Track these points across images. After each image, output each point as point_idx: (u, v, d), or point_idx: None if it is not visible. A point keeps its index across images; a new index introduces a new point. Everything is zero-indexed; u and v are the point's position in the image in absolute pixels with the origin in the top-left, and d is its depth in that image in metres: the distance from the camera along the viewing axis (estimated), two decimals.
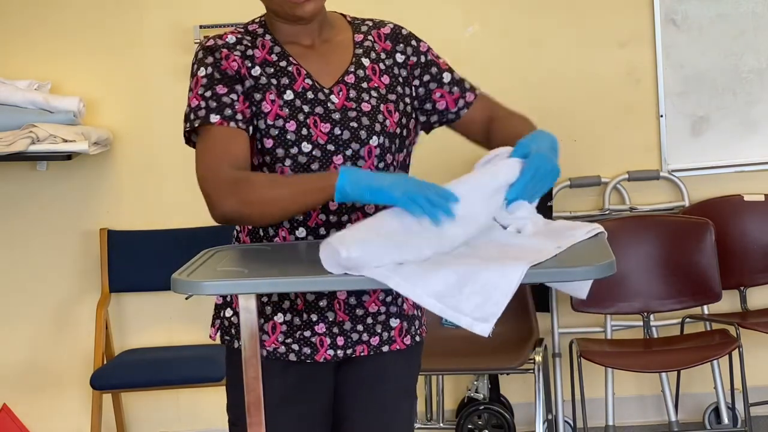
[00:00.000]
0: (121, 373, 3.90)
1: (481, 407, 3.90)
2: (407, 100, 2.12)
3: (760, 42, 4.09)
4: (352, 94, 2.07)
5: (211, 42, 2.08)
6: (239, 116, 2.01)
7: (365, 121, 2.05)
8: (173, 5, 4.08)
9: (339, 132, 2.04)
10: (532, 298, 3.85)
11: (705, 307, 3.97)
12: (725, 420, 3.96)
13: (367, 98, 2.07)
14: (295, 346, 2.08)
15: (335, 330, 2.08)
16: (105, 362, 4.01)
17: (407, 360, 2.16)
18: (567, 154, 4.15)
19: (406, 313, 2.13)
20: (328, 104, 2.05)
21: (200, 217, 4.19)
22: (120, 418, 4.16)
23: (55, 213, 4.19)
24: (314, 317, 2.08)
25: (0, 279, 4.21)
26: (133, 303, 4.21)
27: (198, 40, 3.99)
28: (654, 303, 3.95)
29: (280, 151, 2.03)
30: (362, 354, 2.10)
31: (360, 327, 2.09)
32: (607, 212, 4.11)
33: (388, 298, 2.09)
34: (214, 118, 2.00)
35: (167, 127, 3.91)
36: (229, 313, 2.14)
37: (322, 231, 2.05)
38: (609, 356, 3.76)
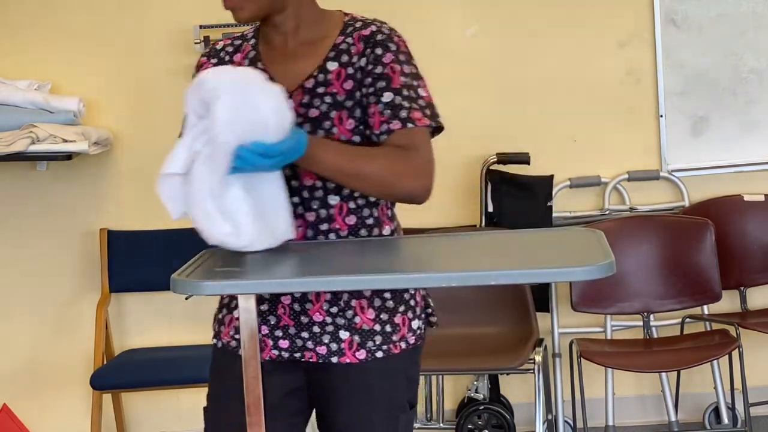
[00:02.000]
0: (121, 373, 3.90)
1: (481, 407, 3.90)
2: (354, 103, 2.05)
3: (760, 42, 4.09)
4: (305, 99, 2.04)
5: (207, 48, 2.13)
6: None
7: (308, 128, 2.01)
8: (173, 5, 4.08)
9: None
10: (532, 298, 3.85)
11: (705, 307, 3.97)
12: (725, 420, 3.96)
13: (318, 104, 2.03)
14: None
15: (278, 333, 2.06)
16: (105, 362, 4.01)
17: (381, 375, 2.07)
18: (567, 154, 4.20)
19: (358, 326, 2.04)
20: None
21: None
22: (120, 418, 4.16)
23: (55, 213, 4.19)
24: (259, 319, 2.07)
25: (0, 279, 4.21)
26: (133, 303, 4.21)
27: (198, 40, 3.99)
28: (654, 303, 3.95)
29: None
30: (311, 360, 2.06)
31: (305, 334, 2.05)
32: (607, 212, 4.12)
33: (333, 309, 2.04)
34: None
35: (167, 127, 3.89)
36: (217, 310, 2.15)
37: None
38: (609, 356, 3.76)
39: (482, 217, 4.02)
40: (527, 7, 4.11)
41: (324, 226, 2.04)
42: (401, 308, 2.08)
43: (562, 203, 4.13)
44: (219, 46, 2.19)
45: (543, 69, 4.12)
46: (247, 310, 1.83)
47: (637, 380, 4.12)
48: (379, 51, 2.05)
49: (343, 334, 2.05)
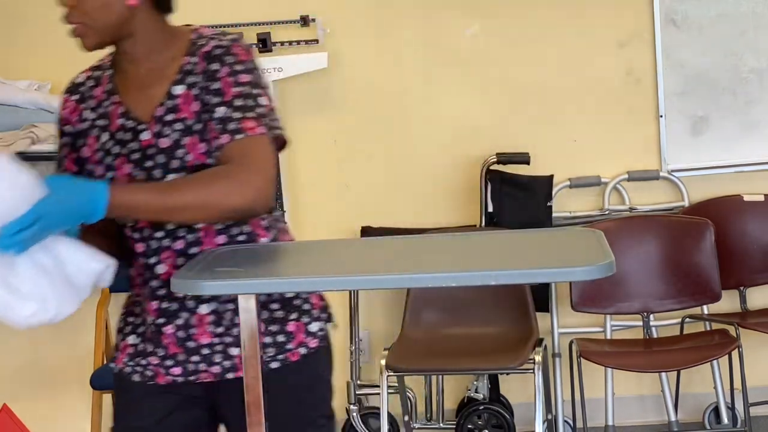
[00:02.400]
0: None
1: (481, 407, 3.90)
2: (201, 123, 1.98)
3: (760, 42, 4.09)
4: (157, 128, 1.98)
5: (69, 83, 2.13)
6: (67, 173, 2.08)
7: (161, 158, 1.97)
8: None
9: (136, 173, 1.99)
10: (532, 298, 3.85)
11: (705, 307, 3.97)
12: (725, 420, 3.96)
13: (169, 132, 1.96)
14: (139, 368, 2.09)
15: (168, 362, 2.05)
16: (105, 362, 4.01)
17: (281, 386, 2.03)
18: (567, 154, 4.20)
19: None
20: (133, 144, 1.99)
21: None
22: None
23: None
24: (149, 347, 2.07)
25: None
26: None
27: None
28: (654, 303, 3.95)
29: None
30: (207, 380, 2.05)
31: (195, 357, 2.04)
32: (606, 212, 4.12)
33: (219, 329, 2.03)
34: (57, 173, 2.09)
35: None
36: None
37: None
38: (609, 356, 3.76)
39: (482, 217, 4.02)
40: (527, 7, 4.11)
41: (194, 250, 2.01)
42: (293, 315, 2.07)
43: (562, 203, 4.13)
44: (80, 79, 2.13)
45: (543, 69, 4.13)
46: (247, 310, 1.82)
47: (637, 380, 4.12)
48: (215, 66, 1.97)
49: (234, 351, 2.03)
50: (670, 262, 3.95)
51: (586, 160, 4.14)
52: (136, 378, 2.10)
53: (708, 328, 3.97)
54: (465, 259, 1.98)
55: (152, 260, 2.03)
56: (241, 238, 2.03)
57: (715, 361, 3.86)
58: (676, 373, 4.00)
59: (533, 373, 3.62)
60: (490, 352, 3.72)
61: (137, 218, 1.97)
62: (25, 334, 4.19)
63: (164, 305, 2.04)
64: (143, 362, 2.09)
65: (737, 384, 3.81)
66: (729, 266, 3.98)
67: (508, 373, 3.88)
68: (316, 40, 4.06)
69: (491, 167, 4.02)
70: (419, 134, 4.13)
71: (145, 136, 1.99)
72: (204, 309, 2.03)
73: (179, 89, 1.98)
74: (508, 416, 3.88)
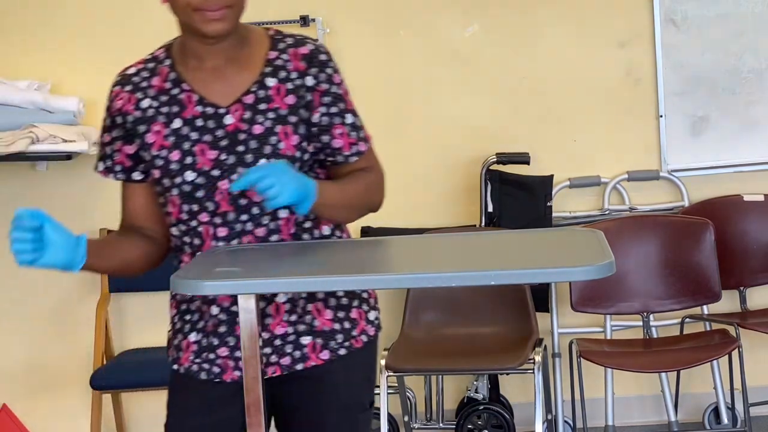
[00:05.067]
0: (121, 373, 3.90)
1: (481, 407, 3.90)
2: (304, 128, 2.05)
3: (760, 42, 4.09)
4: (247, 115, 2.03)
5: (117, 76, 2.16)
6: (117, 167, 2.14)
7: (253, 144, 2.02)
8: None
9: (224, 157, 2.02)
10: (532, 298, 3.85)
11: (705, 307, 3.97)
12: (725, 420, 3.96)
13: (261, 120, 2.02)
14: (206, 366, 2.11)
15: (238, 354, 2.06)
16: (105, 362, 4.01)
17: (345, 373, 2.09)
18: (567, 154, 4.20)
19: (319, 329, 2.06)
20: (218, 130, 2.03)
21: None
22: (120, 418, 4.16)
23: (55, 213, 4.12)
24: (215, 341, 2.09)
25: (0, 279, 4.21)
26: (133, 303, 4.21)
27: None
28: (654, 303, 3.95)
29: (166, 181, 2.06)
30: (274, 374, 2.06)
31: (267, 350, 2.06)
32: (606, 212, 4.12)
33: (293, 317, 2.06)
34: (101, 166, 2.17)
35: None
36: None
37: None
38: (609, 356, 3.76)
39: (482, 217, 4.02)
40: (527, 7, 4.11)
41: (274, 238, 2.05)
42: (355, 303, 2.11)
43: (562, 203, 4.13)
44: (131, 71, 2.16)
45: (543, 69, 4.13)
46: (247, 310, 1.82)
47: (637, 380, 4.12)
48: (329, 71, 2.07)
49: (305, 339, 2.06)
50: (670, 262, 3.95)
51: (586, 160, 4.14)
52: (202, 376, 2.11)
53: (708, 328, 3.96)
54: (465, 259, 1.98)
55: (234, 242, 2.06)
56: (306, 225, 2.08)
57: (715, 361, 3.86)
58: (676, 373, 3.99)
59: (533, 373, 3.62)
60: (490, 352, 3.72)
61: (319, 213, 2.03)
62: (25, 334, 4.21)
63: None
64: (211, 357, 2.10)
65: (737, 384, 3.81)
66: (729, 266, 3.98)
67: (508, 373, 3.88)
68: (316, 40, 4.06)
69: (491, 167, 4.02)
70: (419, 134, 4.13)
71: (229, 120, 2.03)
72: (281, 297, 2.06)
73: (272, 81, 2.04)
74: (508, 416, 3.88)
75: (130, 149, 2.11)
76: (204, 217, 2.05)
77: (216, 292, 1.85)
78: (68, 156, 3.89)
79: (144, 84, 2.11)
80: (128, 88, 2.12)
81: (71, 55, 4.15)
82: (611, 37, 4.12)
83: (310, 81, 2.05)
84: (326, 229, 2.11)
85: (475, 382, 3.98)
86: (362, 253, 2.01)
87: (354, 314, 2.10)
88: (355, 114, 2.10)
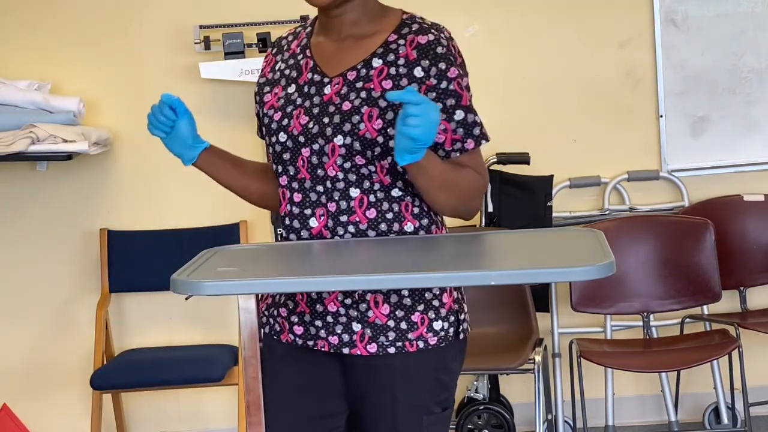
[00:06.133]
0: (121, 373, 3.90)
1: (481, 407, 3.90)
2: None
3: (760, 42, 4.10)
4: (344, 90, 2.05)
5: (276, 39, 2.28)
6: (258, 127, 2.24)
7: (337, 119, 2.03)
8: (173, 5, 4.08)
9: (312, 125, 2.06)
10: (532, 298, 3.85)
11: (705, 307, 3.97)
12: (725, 420, 3.96)
13: (353, 97, 2.04)
14: (270, 320, 2.16)
15: (294, 319, 2.10)
16: (105, 362, 4.01)
17: (404, 372, 2.08)
18: (567, 154, 4.20)
19: (371, 320, 2.04)
20: (316, 98, 2.08)
21: (200, 217, 4.22)
22: (120, 418, 4.16)
23: (55, 213, 4.19)
24: (282, 297, 2.13)
25: (0, 279, 4.21)
26: (133, 303, 4.21)
27: (198, 40, 3.99)
28: (654, 303, 3.95)
29: (267, 139, 2.14)
30: (323, 349, 2.08)
31: (319, 323, 2.07)
32: (606, 212, 4.12)
33: (347, 301, 2.05)
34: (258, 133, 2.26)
35: None
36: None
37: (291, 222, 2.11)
38: (609, 356, 3.76)
39: (482, 217, 4.02)
40: (527, 6, 4.11)
41: (344, 218, 2.05)
42: (420, 307, 2.07)
43: (562, 203, 4.13)
44: (284, 34, 2.25)
45: (543, 69, 4.13)
46: (247, 310, 1.83)
47: (637, 380, 4.12)
48: (443, 66, 2.04)
49: (356, 326, 2.06)
50: (670, 262, 3.95)
51: (586, 160, 4.14)
52: (266, 330, 2.15)
53: (708, 328, 3.97)
54: (465, 259, 1.98)
55: (307, 212, 2.08)
56: (389, 215, 2.07)
57: (715, 361, 3.86)
58: (676, 373, 4.00)
59: (533, 373, 3.62)
60: (490, 352, 3.72)
61: (418, 176, 1.99)
62: (25, 334, 4.21)
63: None
64: (275, 313, 2.14)
65: (737, 384, 3.81)
66: (729, 266, 3.98)
67: (508, 373, 3.88)
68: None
69: (491, 167, 4.02)
70: None
71: (327, 90, 2.06)
72: None
73: (378, 62, 2.05)
74: (508, 416, 3.88)
75: (257, 108, 2.20)
76: (284, 180, 2.10)
77: (216, 292, 1.85)
78: (68, 156, 3.88)
79: (286, 47, 2.19)
80: (274, 50, 2.22)
81: (71, 55, 4.15)
82: (611, 37, 4.12)
83: (419, 72, 2.03)
84: (409, 226, 2.08)
85: (475, 382, 3.99)
86: (363, 253, 2.01)
87: (416, 317, 2.06)
88: (468, 111, 2.05)
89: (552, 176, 4.03)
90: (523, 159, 3.99)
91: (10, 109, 3.91)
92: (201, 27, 4.01)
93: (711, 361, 3.80)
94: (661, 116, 4.12)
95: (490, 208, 4.01)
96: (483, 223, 4.02)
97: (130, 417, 4.23)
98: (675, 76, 4.11)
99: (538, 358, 3.62)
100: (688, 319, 3.99)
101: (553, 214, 4.03)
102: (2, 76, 4.02)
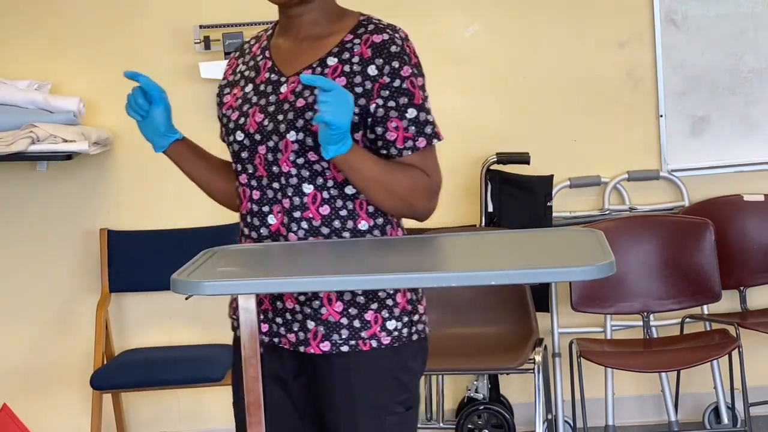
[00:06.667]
0: (121, 373, 3.90)
1: (481, 407, 3.90)
2: (357, 110, 2.02)
3: (760, 42, 4.09)
4: (299, 88, 2.06)
5: (240, 43, 2.31)
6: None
7: (290, 115, 2.04)
8: (173, 5, 4.08)
9: (267, 123, 2.07)
10: (532, 298, 3.85)
11: (705, 307, 3.97)
12: (725, 420, 3.96)
13: (308, 95, 2.04)
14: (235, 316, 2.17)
15: (261, 317, 2.11)
16: (105, 362, 4.01)
17: (363, 371, 2.06)
18: (567, 154, 4.20)
19: (324, 318, 2.04)
20: (271, 96, 2.09)
21: (200, 217, 4.22)
22: (120, 418, 4.16)
23: (55, 213, 4.19)
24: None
25: (0, 279, 4.21)
26: (133, 303, 4.21)
27: (198, 40, 3.99)
28: (654, 303, 3.95)
29: (226, 139, 2.16)
30: (285, 347, 2.09)
31: (279, 320, 2.09)
32: (606, 212, 4.12)
33: (301, 298, 2.06)
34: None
35: None
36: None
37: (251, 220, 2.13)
38: (609, 356, 3.76)
39: (482, 217, 4.02)
40: (527, 6, 4.11)
41: (297, 214, 2.06)
42: (374, 305, 2.06)
43: (562, 203, 4.13)
44: (248, 39, 2.29)
45: (543, 69, 4.13)
46: (247, 310, 1.82)
47: (637, 380, 4.12)
48: (396, 64, 2.04)
49: (310, 324, 2.06)
50: (670, 262, 3.95)
51: (586, 160, 4.14)
52: (235, 324, 2.17)
53: (708, 328, 3.97)
54: (465, 259, 1.98)
55: (265, 209, 2.10)
56: (343, 212, 2.07)
57: (715, 361, 3.86)
58: (676, 373, 4.00)
59: (533, 373, 3.62)
60: (490, 352, 3.72)
61: (350, 174, 2.01)
62: (25, 334, 4.21)
63: None
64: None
65: (737, 384, 3.81)
66: (729, 266, 3.98)
67: (508, 373, 3.88)
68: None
69: (491, 167, 4.02)
70: None
71: (283, 89, 2.08)
72: None
73: (333, 60, 2.07)
74: (508, 416, 3.88)
75: (218, 111, 2.23)
76: (243, 178, 2.12)
77: (216, 292, 1.85)
78: (68, 156, 3.89)
79: (248, 50, 2.23)
80: (237, 54, 2.26)
81: (71, 55, 4.15)
82: (611, 37, 4.12)
83: (372, 70, 2.04)
84: (363, 225, 2.08)
85: (475, 382, 3.98)
86: (362, 253, 2.01)
87: (369, 316, 2.05)
88: (420, 109, 2.06)
89: (552, 176, 4.03)
90: (523, 159, 3.99)
91: (10, 109, 3.91)
92: (201, 27, 4.01)
93: (711, 361, 3.80)
94: (661, 116, 4.12)
95: (490, 208, 4.01)
96: (483, 223, 4.02)
97: (130, 417, 4.23)
98: (675, 76, 4.11)
99: (538, 358, 3.62)
100: (688, 319, 3.99)
101: (553, 214, 4.03)
102: (2, 76, 4.02)
